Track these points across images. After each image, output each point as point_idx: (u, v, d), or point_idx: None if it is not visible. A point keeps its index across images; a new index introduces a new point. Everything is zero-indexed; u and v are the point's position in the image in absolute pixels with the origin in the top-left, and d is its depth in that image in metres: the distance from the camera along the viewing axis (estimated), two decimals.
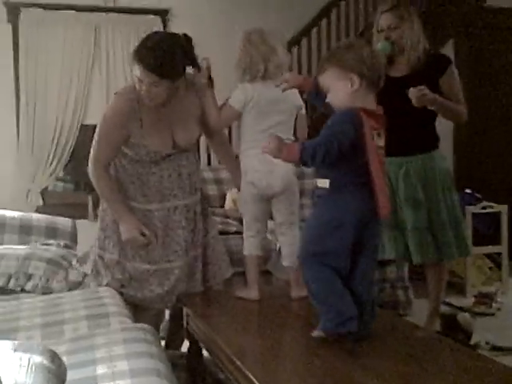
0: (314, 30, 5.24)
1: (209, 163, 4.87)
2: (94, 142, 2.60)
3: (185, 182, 2.67)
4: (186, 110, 2.65)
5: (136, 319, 2.34)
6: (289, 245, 2.63)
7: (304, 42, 5.21)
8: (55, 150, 4.95)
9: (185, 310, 2.56)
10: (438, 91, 2.96)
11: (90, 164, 2.61)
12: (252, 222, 2.63)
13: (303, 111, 2.74)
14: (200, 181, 2.82)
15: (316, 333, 1.97)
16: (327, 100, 2.00)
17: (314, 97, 2.21)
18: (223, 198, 4.14)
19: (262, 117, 2.57)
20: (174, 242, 2.66)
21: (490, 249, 4.70)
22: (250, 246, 2.64)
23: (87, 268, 2.72)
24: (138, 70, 2.41)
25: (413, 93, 2.83)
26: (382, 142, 1.95)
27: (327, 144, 1.84)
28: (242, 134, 2.66)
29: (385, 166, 2.00)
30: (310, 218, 2.08)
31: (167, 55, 2.40)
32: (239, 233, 3.55)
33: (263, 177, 2.55)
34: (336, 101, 1.97)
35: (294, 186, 2.62)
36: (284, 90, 2.44)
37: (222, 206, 4.10)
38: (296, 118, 2.68)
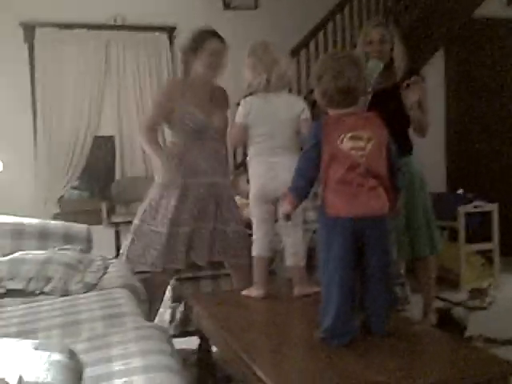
0: (312, 41, 5.24)
1: None
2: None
3: (219, 164, 3.00)
4: (218, 99, 3.05)
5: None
6: (292, 245, 2.63)
7: (303, 52, 5.21)
8: (71, 160, 4.98)
9: (194, 309, 2.57)
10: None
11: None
12: (260, 223, 2.65)
13: (305, 115, 2.62)
14: (228, 170, 3.19)
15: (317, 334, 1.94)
16: None
17: None
18: None
19: (263, 126, 2.58)
20: (196, 210, 2.94)
21: (482, 246, 4.71)
22: (258, 248, 2.65)
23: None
24: (213, 44, 2.91)
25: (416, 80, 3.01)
26: (358, 143, 1.89)
27: (293, 180, 2.01)
28: (248, 143, 2.68)
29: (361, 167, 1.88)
30: None
31: None
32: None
33: (268, 182, 2.57)
34: None
35: None
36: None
37: None
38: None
